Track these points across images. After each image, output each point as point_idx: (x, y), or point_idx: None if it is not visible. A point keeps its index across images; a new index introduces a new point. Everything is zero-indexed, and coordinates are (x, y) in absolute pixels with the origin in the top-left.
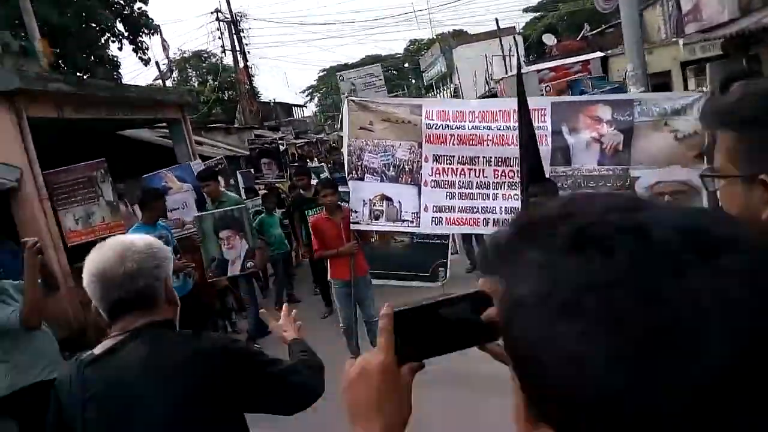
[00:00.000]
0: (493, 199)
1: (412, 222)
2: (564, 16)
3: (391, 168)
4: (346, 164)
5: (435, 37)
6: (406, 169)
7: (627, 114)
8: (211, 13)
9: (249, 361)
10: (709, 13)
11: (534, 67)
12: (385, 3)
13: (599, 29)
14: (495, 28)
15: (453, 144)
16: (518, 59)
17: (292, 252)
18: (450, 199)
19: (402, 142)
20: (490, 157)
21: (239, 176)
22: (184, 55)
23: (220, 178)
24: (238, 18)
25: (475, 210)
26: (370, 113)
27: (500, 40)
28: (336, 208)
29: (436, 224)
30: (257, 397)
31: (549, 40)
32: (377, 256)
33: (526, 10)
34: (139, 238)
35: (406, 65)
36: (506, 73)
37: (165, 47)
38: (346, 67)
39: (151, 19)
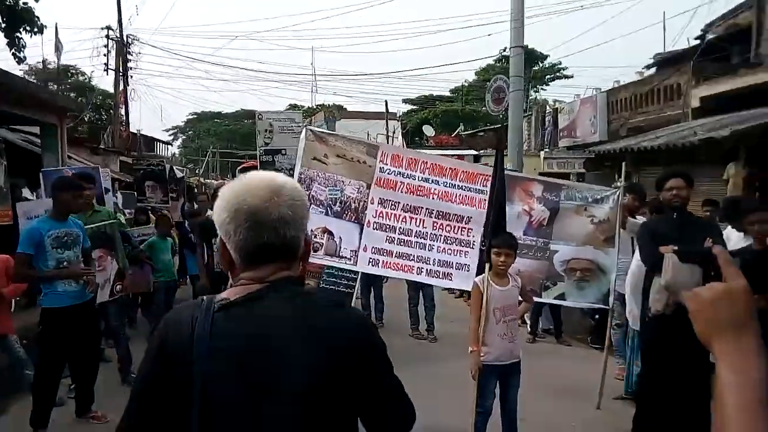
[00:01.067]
0: (429, 250)
1: (350, 259)
2: (439, 114)
3: (338, 203)
4: None
5: (318, 107)
6: (352, 206)
7: (555, 195)
8: (101, 29)
9: (384, 353)
10: (582, 133)
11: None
12: (299, 60)
13: (473, 131)
14: (372, 110)
15: (401, 191)
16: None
17: (178, 282)
18: (389, 243)
19: (352, 180)
20: (432, 210)
21: (119, 196)
22: (49, 66)
23: None
24: (129, 41)
25: (411, 257)
26: (325, 146)
27: (386, 121)
28: None
29: (373, 265)
30: (379, 398)
31: (428, 131)
32: None
33: (405, 101)
34: (290, 181)
35: None
36: None
37: (58, 48)
38: (218, 115)
39: (37, 17)
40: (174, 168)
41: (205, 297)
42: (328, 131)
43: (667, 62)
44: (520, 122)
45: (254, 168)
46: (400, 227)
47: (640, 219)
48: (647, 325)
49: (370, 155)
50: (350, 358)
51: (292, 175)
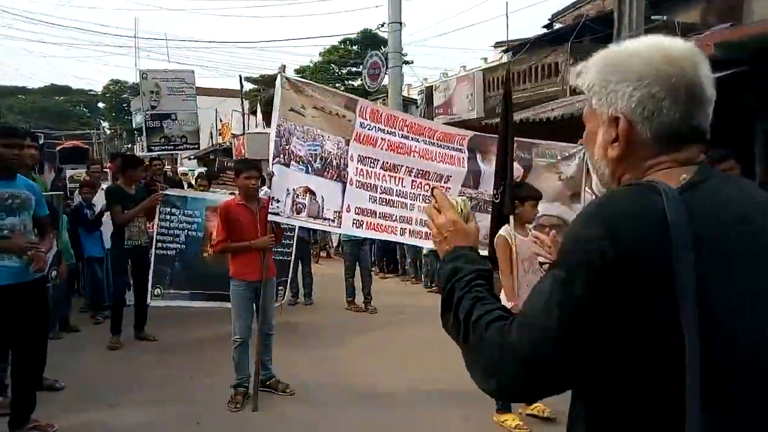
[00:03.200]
0: (410, 210)
1: (333, 221)
2: None
3: (318, 159)
4: (272, 146)
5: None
6: (333, 163)
7: (528, 153)
8: None
9: None
10: (458, 110)
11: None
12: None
13: None
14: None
15: (381, 148)
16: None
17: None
18: (372, 202)
19: (331, 135)
20: (412, 168)
21: None
22: None
23: None
24: None
25: (393, 218)
26: (303, 97)
27: (242, 98)
28: (255, 194)
29: (357, 227)
30: None
31: None
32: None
33: (247, 79)
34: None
35: (101, 104)
36: (245, 130)
37: None
38: (22, 90)
39: None
40: None
41: (644, 183)
42: (303, 80)
43: (519, 48)
44: (399, 99)
45: (78, 149)
46: (381, 186)
47: None
48: None
49: (349, 109)
50: None
51: (184, 143)
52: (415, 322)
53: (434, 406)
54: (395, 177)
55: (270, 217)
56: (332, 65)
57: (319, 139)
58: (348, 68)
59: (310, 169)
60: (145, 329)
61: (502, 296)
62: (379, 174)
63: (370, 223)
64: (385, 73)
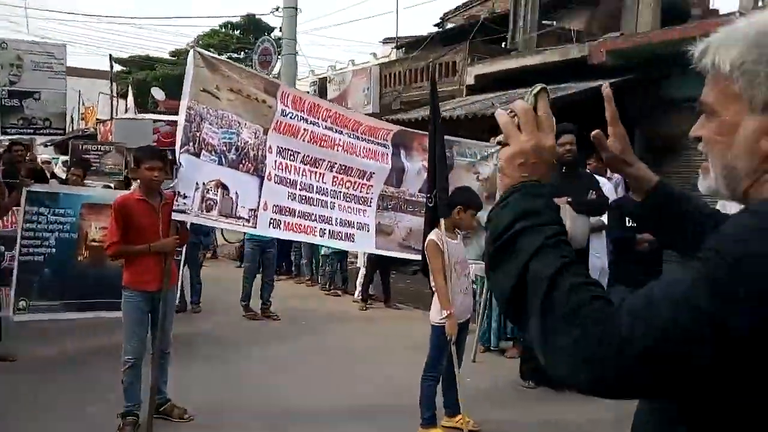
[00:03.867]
0: (331, 209)
1: (249, 220)
2: (159, 78)
3: (233, 149)
4: (180, 132)
5: None
6: (251, 155)
7: (449, 152)
8: None
9: None
10: (353, 104)
11: (150, 116)
12: None
13: None
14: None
15: (304, 140)
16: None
17: None
18: (291, 200)
19: (248, 123)
20: (335, 164)
21: None
22: None
23: None
24: None
25: (313, 217)
26: (218, 76)
27: (111, 80)
28: (157, 188)
29: (274, 227)
30: None
31: (158, 94)
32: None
33: (116, 61)
34: None
35: None
36: (114, 115)
37: None
38: None
39: None
40: None
41: None
42: (220, 58)
43: (412, 45)
44: (293, 86)
45: None
46: (301, 182)
47: None
48: None
49: (269, 94)
50: None
51: (47, 127)
52: (321, 330)
53: (358, 425)
54: (316, 172)
55: (175, 216)
56: (211, 49)
57: (235, 126)
58: (228, 54)
59: (223, 160)
60: (3, 346)
61: (436, 304)
62: (299, 168)
63: (289, 222)
64: (278, 60)
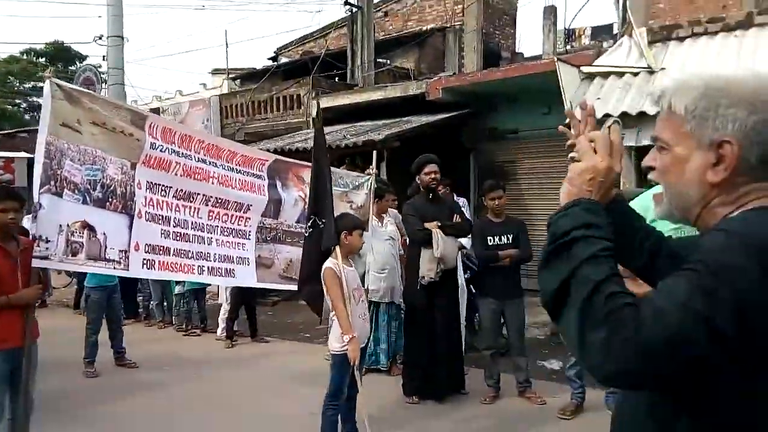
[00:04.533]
0: (208, 244)
1: (119, 263)
2: None
3: (99, 187)
4: (39, 170)
5: None
6: (118, 192)
7: None
8: None
9: None
10: None
11: None
12: None
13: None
14: None
15: (176, 173)
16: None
17: None
18: (165, 238)
19: (114, 158)
20: (210, 197)
21: None
22: None
23: None
24: None
25: (190, 254)
26: (79, 109)
27: None
28: (13, 232)
29: (149, 268)
30: None
31: None
32: None
33: None
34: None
35: None
36: None
37: None
38: None
39: None
40: None
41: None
42: (80, 88)
43: (247, 77)
44: None
45: None
46: (175, 218)
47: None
48: (418, 291)
49: (137, 126)
50: None
51: None
52: (190, 374)
53: None
54: (190, 207)
55: (36, 263)
56: (11, 77)
57: (99, 162)
58: (33, 83)
59: (88, 198)
60: None
61: (335, 332)
62: (172, 204)
63: (164, 262)
64: (101, 90)
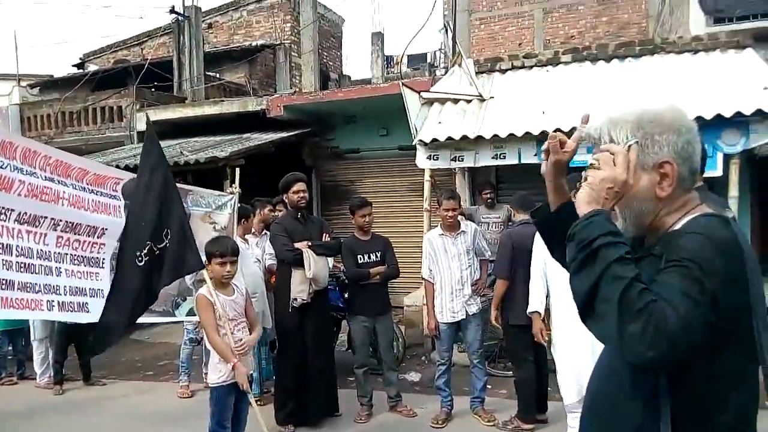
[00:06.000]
0: (57, 275)
1: None
2: None
3: None
4: None
5: None
6: None
7: (184, 201)
8: None
9: None
10: None
11: None
12: None
13: None
14: None
15: (20, 194)
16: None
17: None
18: (7, 269)
19: None
20: (59, 221)
21: None
22: None
23: None
24: None
25: (36, 288)
26: None
27: None
28: None
29: None
30: None
31: None
32: None
33: None
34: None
35: None
36: None
37: None
38: None
39: None
40: None
41: (721, 216)
42: None
43: (53, 85)
44: None
45: None
46: (18, 246)
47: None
48: (287, 315)
49: None
50: None
51: None
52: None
53: None
54: (36, 233)
55: None
56: None
57: None
58: None
59: None
60: None
61: (212, 364)
62: (14, 229)
63: (7, 298)
64: None
